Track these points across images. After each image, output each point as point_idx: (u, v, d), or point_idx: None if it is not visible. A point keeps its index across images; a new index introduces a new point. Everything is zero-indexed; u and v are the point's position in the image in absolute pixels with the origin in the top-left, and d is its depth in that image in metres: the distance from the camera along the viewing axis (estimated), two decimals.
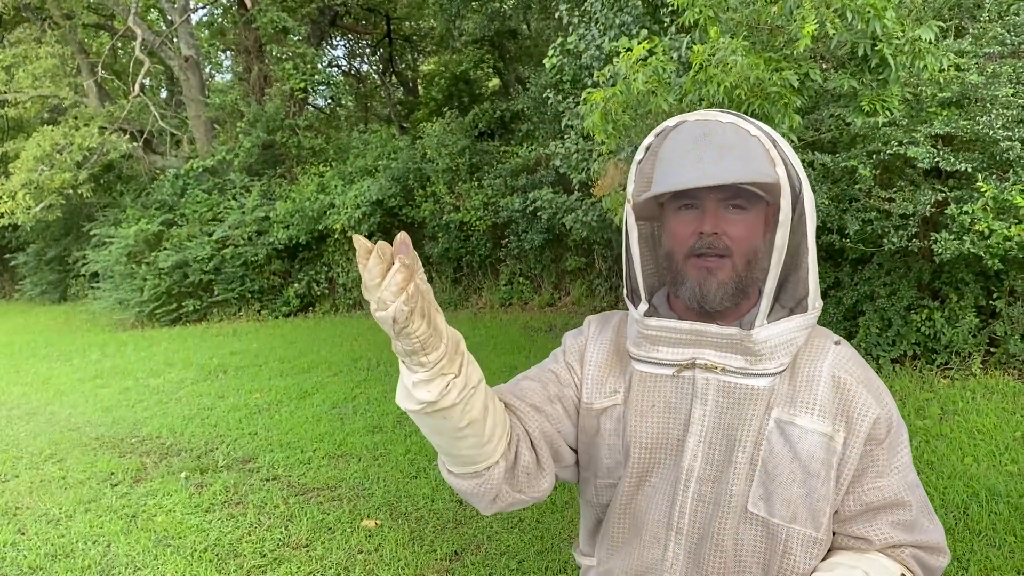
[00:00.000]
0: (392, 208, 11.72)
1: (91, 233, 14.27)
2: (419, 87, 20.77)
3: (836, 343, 1.22)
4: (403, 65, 21.11)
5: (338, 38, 20.31)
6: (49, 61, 14.33)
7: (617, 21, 6.98)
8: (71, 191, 13.64)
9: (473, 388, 1.11)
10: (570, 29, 7.66)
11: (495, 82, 17.79)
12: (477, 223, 11.19)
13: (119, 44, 17.20)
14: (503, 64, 16.32)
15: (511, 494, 1.26)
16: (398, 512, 4.39)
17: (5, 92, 14.61)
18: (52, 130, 13.42)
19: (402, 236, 0.97)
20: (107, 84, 16.00)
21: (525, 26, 14.97)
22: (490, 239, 11.61)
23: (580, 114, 6.08)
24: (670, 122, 1.19)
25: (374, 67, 21.62)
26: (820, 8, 4.37)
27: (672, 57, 5.42)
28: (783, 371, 1.18)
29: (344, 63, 21.65)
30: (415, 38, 20.08)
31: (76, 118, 14.21)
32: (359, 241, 0.96)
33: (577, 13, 7.57)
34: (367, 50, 21.36)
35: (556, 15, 8.05)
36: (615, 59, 5.24)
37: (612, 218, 5.96)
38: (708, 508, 1.19)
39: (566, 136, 7.92)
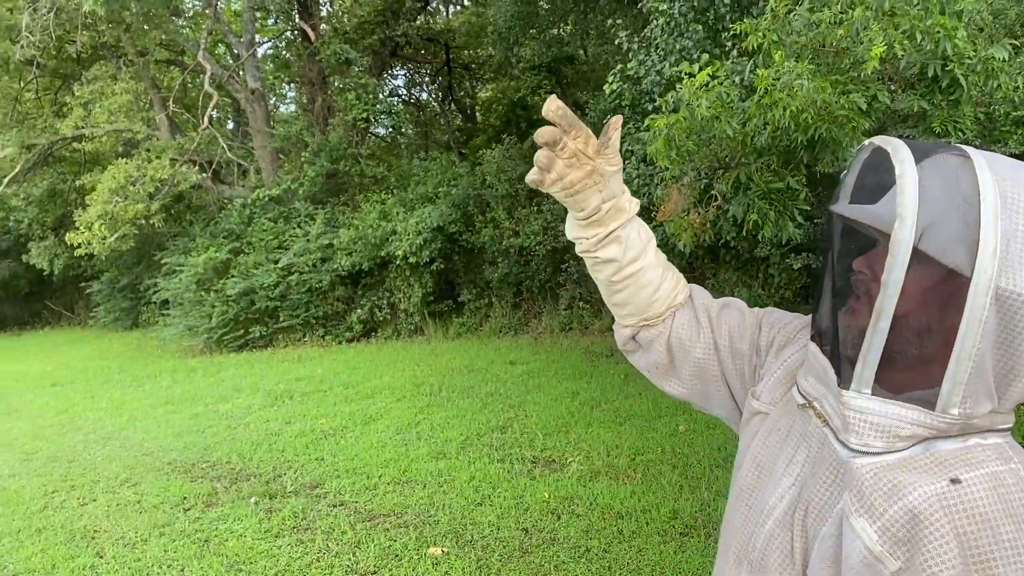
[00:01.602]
0: (452, 234, 11.83)
1: (162, 262, 14.69)
2: (477, 114, 21.01)
3: (955, 480, 0.89)
4: (462, 93, 21.39)
5: (398, 68, 20.68)
6: (124, 97, 14.91)
7: (677, 46, 6.97)
8: (143, 221, 14.07)
9: (610, 261, 1.27)
10: (630, 55, 7.67)
11: None
12: (536, 248, 11.21)
13: (189, 79, 17.79)
14: (560, 90, 16.38)
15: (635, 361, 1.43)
16: (464, 540, 4.39)
17: (83, 127, 15.23)
18: (126, 163, 13.89)
19: (616, 120, 1.22)
20: (177, 117, 16.56)
21: (582, 52, 15.04)
22: (550, 264, 11.61)
23: (641, 139, 6.07)
24: (866, 141, 1.04)
25: (433, 95, 21.97)
26: (888, 30, 4.30)
27: (734, 81, 5.39)
28: (867, 452, 0.97)
29: (404, 92, 22.05)
30: (473, 66, 20.35)
31: (148, 151, 14.67)
32: (553, 100, 1.17)
33: (637, 39, 7.58)
34: (427, 79, 21.71)
35: (616, 41, 8.07)
36: (677, 85, 5.23)
37: (676, 243, 5.92)
38: (774, 553, 1.08)
39: (626, 161, 7.91)
